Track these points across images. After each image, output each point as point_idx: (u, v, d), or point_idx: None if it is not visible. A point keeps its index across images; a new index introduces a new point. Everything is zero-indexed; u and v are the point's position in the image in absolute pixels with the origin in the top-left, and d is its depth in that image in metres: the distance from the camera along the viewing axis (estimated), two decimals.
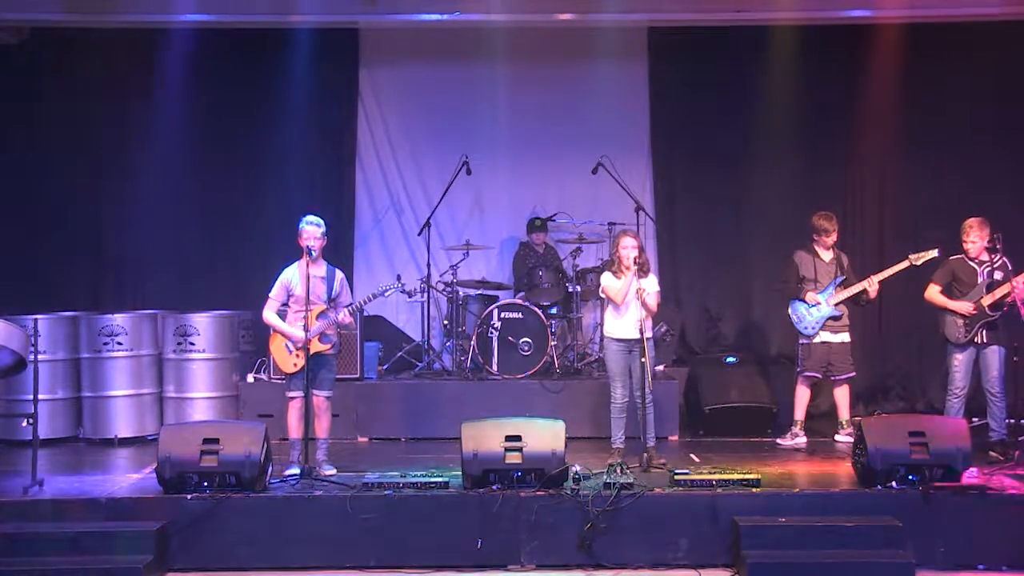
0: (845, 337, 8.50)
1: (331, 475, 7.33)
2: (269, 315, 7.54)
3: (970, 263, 8.07)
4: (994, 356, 7.97)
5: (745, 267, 10.28)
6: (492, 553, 6.61)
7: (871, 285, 8.33)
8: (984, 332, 7.96)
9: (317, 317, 7.39)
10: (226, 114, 10.10)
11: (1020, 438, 7.78)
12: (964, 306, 7.98)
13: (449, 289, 9.58)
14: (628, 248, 7.69)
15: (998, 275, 7.95)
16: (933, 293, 8.15)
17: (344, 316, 7.45)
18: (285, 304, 7.57)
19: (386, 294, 7.76)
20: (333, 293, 7.52)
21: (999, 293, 7.86)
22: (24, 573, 6.30)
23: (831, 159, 10.13)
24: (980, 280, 8.00)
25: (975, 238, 7.97)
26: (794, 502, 6.74)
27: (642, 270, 7.71)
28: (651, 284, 7.78)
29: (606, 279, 7.84)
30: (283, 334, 7.47)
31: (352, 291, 7.94)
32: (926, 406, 9.62)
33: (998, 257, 7.98)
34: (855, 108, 10.00)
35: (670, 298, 9.94)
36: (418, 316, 10.01)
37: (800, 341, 8.53)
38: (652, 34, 10.26)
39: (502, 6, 9.19)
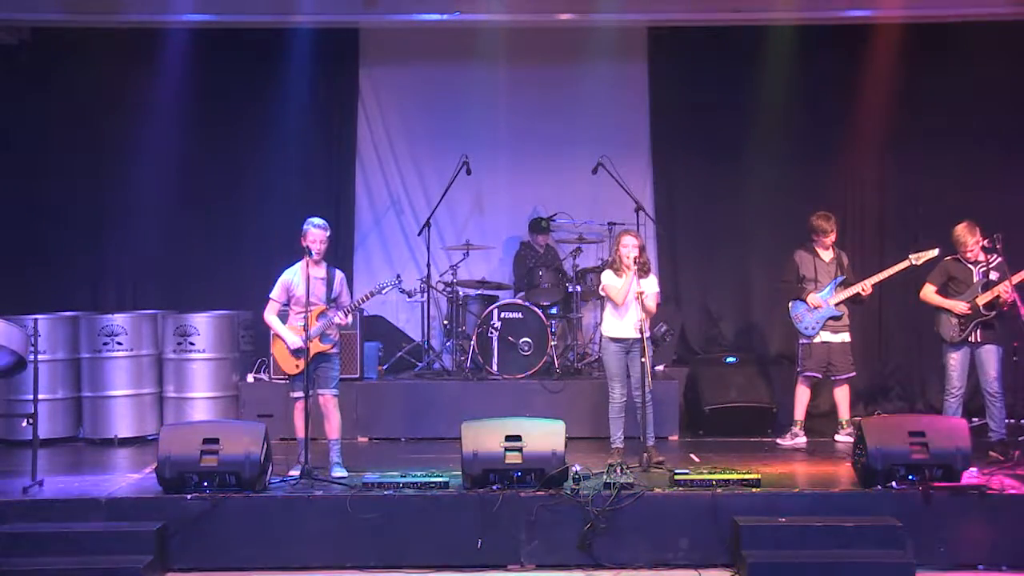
0: (845, 337, 8.50)
1: (341, 477, 7.29)
2: (270, 317, 7.55)
3: (966, 263, 8.08)
4: (991, 356, 7.98)
5: (745, 267, 10.28)
6: (492, 553, 6.62)
7: (864, 290, 8.33)
8: (979, 331, 7.97)
9: (317, 317, 7.39)
10: (226, 114, 10.09)
11: (1020, 438, 7.78)
12: (959, 306, 7.99)
13: (449, 289, 9.58)
14: (629, 247, 7.69)
15: (994, 275, 7.95)
16: (928, 293, 8.17)
17: (341, 317, 7.45)
18: (286, 305, 7.57)
19: (384, 291, 7.73)
20: (333, 294, 7.54)
21: (993, 293, 7.87)
22: (24, 573, 6.30)
23: (831, 159, 10.11)
24: (976, 279, 8.01)
25: (972, 245, 7.97)
26: (794, 502, 6.75)
27: (643, 270, 7.71)
28: (651, 285, 7.79)
29: (607, 278, 7.84)
30: (281, 338, 7.47)
31: (352, 291, 7.94)
32: (926, 406, 9.62)
33: (995, 257, 7.99)
34: (855, 108, 9.98)
35: (670, 298, 9.95)
36: (418, 316, 10.01)
37: (800, 341, 8.53)
38: (652, 34, 10.26)
39: (502, 6, 9.19)
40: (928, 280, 8.20)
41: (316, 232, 7.42)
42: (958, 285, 8.08)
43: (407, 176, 10.53)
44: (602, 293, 7.94)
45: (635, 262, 7.63)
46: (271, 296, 7.53)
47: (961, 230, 8.02)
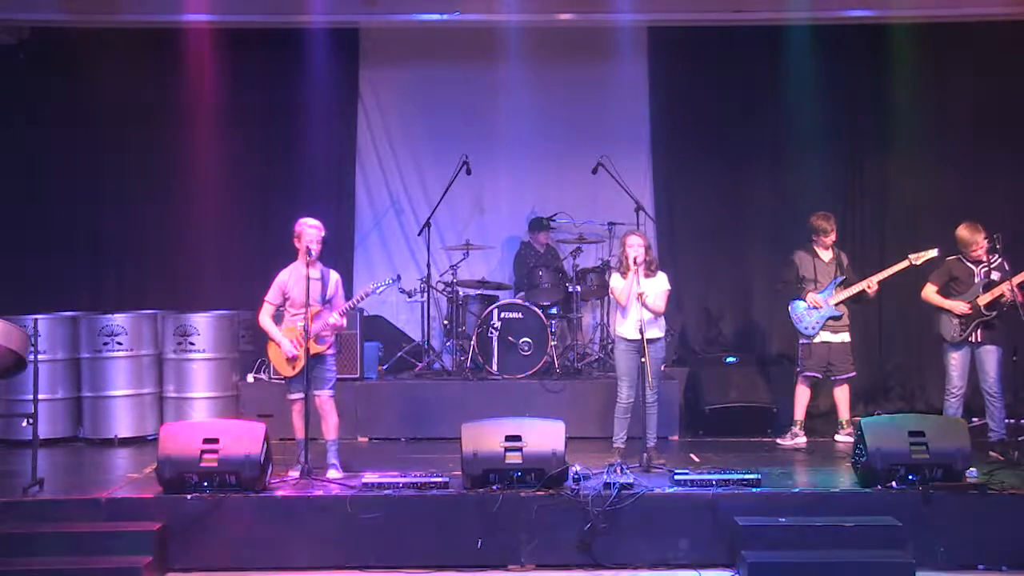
0: (845, 337, 8.50)
1: (338, 478, 7.28)
2: (265, 320, 7.49)
3: (967, 263, 8.07)
4: (991, 356, 7.97)
5: (745, 267, 10.28)
6: (492, 553, 6.61)
7: (870, 287, 8.34)
8: (979, 331, 7.97)
9: (312, 319, 7.34)
10: (225, 114, 10.06)
11: (1020, 438, 7.78)
12: (959, 306, 7.98)
13: (449, 289, 9.58)
14: (632, 247, 7.71)
15: (995, 275, 7.95)
16: (929, 293, 8.16)
17: (336, 319, 7.41)
18: (281, 307, 7.54)
19: (378, 292, 7.67)
20: (328, 295, 7.48)
21: (995, 293, 7.87)
22: (24, 573, 6.30)
23: (831, 159, 10.13)
24: (977, 280, 8.01)
25: (975, 245, 7.96)
26: (794, 502, 6.75)
27: (650, 268, 7.74)
28: (659, 283, 7.80)
29: (613, 280, 7.88)
30: (276, 343, 7.44)
31: (351, 291, 7.92)
32: (926, 406, 9.60)
33: (996, 257, 7.99)
34: (855, 107, 10.02)
35: (671, 298, 9.92)
36: (418, 316, 10.01)
37: (800, 341, 8.53)
38: (652, 34, 10.26)
39: (502, 6, 9.21)
40: (930, 280, 8.19)
41: (312, 232, 7.37)
42: (959, 285, 8.07)
43: (407, 176, 10.54)
44: (611, 295, 7.97)
45: (635, 262, 7.64)
46: (266, 298, 7.47)
47: (964, 230, 8.02)
